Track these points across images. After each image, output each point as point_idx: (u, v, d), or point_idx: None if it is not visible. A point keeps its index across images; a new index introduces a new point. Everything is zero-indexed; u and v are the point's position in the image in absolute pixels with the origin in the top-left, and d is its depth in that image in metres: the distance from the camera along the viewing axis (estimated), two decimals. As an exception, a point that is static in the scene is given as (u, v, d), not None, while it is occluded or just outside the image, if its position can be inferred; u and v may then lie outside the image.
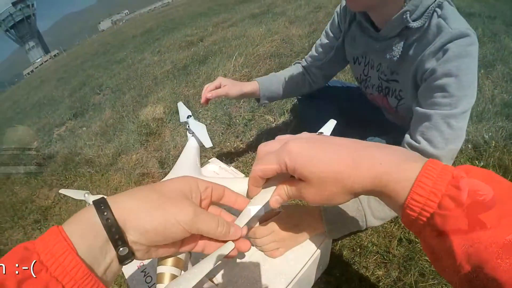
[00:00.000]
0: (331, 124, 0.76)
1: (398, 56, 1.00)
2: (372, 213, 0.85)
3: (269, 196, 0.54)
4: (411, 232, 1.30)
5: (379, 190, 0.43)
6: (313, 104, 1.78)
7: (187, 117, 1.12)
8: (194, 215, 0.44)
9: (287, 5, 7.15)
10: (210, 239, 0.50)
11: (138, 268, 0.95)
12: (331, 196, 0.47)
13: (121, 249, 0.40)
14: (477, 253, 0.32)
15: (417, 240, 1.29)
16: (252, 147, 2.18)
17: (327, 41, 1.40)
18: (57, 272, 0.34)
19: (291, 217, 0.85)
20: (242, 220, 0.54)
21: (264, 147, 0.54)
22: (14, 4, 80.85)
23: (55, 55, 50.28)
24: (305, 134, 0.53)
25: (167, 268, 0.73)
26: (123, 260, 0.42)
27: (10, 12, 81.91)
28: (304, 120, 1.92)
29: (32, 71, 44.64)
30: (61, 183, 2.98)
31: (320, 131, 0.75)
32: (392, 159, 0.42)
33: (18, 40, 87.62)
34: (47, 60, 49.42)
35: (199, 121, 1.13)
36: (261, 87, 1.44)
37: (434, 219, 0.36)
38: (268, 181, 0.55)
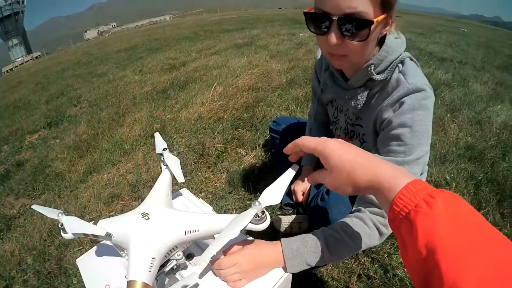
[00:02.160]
0: (291, 173, 0.84)
1: (361, 105, 1.11)
2: (330, 251, 0.90)
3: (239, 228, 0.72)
4: (370, 268, 1.46)
5: (377, 188, 0.60)
6: (285, 140, 1.89)
7: (163, 150, 1.16)
8: None
9: (271, 38, 7.38)
10: None
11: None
12: (342, 185, 0.67)
13: None
14: (433, 241, 0.45)
15: (375, 275, 1.42)
16: (223, 179, 2.28)
17: (314, 93, 1.54)
18: None
19: (254, 250, 0.89)
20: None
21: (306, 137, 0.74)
22: (4, -3, 79.40)
23: (36, 57, 48.94)
24: (340, 139, 0.71)
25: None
26: None
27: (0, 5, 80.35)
28: (277, 155, 2.04)
29: (11, 69, 43.15)
30: (29, 194, 2.96)
31: (280, 179, 0.83)
32: (392, 170, 0.60)
33: (2, 35, 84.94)
34: (28, 60, 48.02)
35: (172, 148, 1.19)
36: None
37: (410, 214, 0.51)
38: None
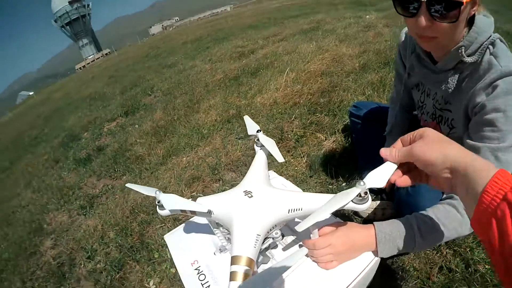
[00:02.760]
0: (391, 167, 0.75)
1: (452, 88, 1.06)
2: (422, 236, 0.87)
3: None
4: (451, 261, 1.34)
5: (471, 174, 0.55)
6: (366, 125, 1.82)
7: (257, 131, 1.15)
8: None
9: (337, 22, 7.18)
10: None
11: (192, 265, 1.01)
12: (435, 157, 0.62)
13: None
14: None
15: (457, 269, 1.31)
16: (303, 163, 2.22)
17: (398, 76, 1.47)
18: None
19: (347, 232, 0.88)
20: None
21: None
22: (70, 3, 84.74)
23: (106, 54, 51.93)
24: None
25: (240, 268, 0.80)
26: None
27: (66, 10, 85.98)
28: (358, 140, 1.96)
29: (84, 66, 46.33)
30: (110, 175, 3.13)
31: (385, 165, 0.75)
32: (482, 160, 0.57)
33: (73, 36, 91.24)
34: (99, 57, 51.14)
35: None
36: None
37: (500, 206, 0.46)
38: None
